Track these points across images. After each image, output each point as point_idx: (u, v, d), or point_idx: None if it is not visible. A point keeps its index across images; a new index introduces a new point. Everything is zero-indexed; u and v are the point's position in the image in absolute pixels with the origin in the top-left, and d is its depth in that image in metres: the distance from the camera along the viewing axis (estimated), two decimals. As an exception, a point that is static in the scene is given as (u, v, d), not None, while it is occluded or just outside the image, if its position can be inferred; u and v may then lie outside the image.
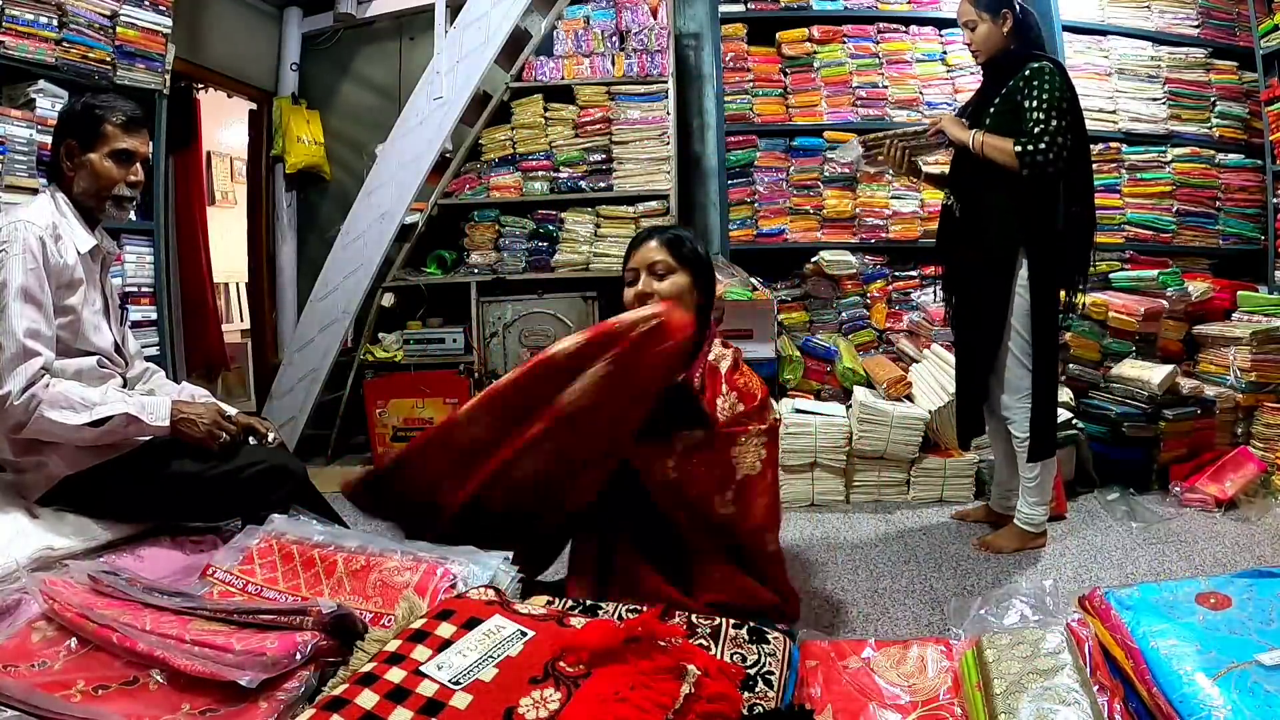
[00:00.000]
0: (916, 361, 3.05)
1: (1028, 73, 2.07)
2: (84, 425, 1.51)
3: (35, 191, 2.21)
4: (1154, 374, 2.68)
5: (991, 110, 2.13)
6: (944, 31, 3.47)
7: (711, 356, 1.65)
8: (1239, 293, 3.07)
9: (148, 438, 1.61)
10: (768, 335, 2.94)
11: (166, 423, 1.60)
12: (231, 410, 1.76)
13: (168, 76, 2.80)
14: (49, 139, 2.20)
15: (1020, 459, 2.19)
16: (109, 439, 1.56)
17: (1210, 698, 0.92)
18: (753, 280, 3.03)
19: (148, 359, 1.99)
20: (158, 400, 1.63)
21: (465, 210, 3.51)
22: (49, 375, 1.52)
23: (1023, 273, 2.09)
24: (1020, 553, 2.19)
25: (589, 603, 1.29)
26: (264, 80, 4.19)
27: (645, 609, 1.16)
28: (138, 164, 1.69)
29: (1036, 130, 2.00)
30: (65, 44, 2.46)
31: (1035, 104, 2.02)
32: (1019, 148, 2.01)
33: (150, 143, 1.74)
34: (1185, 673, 0.97)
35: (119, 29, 2.62)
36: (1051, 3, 3.35)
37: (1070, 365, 2.96)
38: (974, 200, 2.17)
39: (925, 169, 2.35)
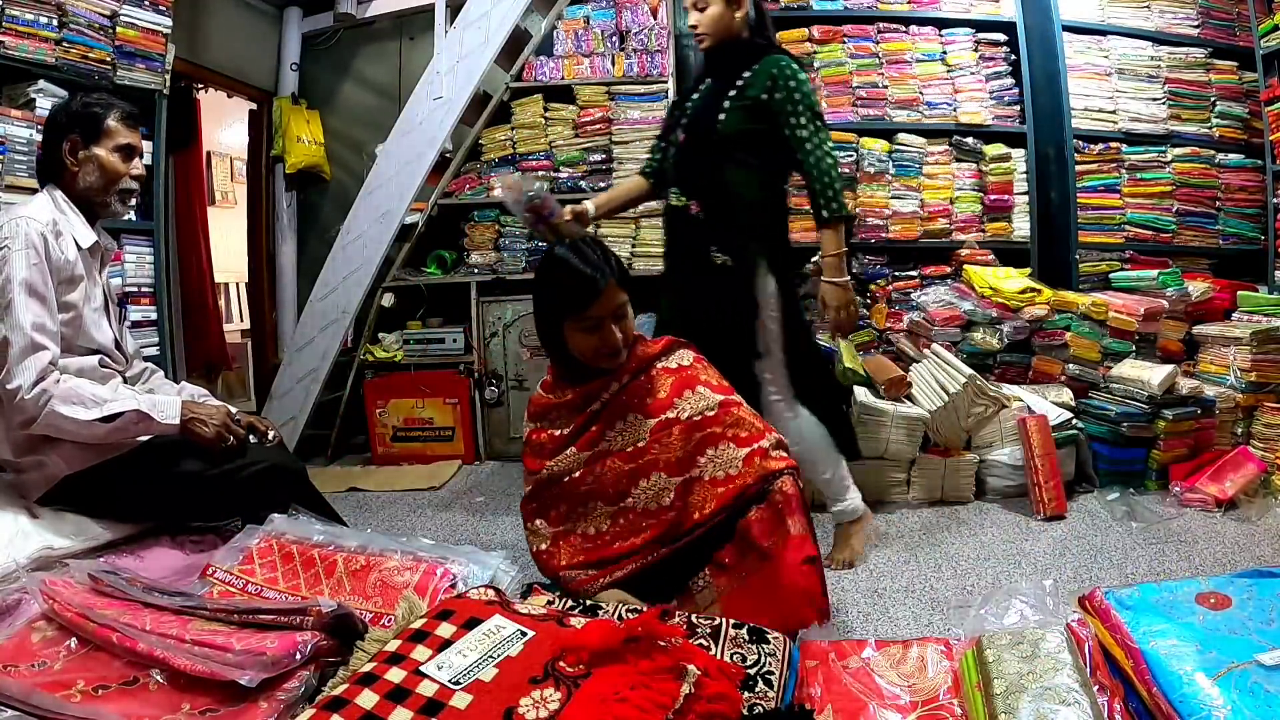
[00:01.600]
0: (916, 361, 3.05)
1: (775, 71, 1.93)
2: (94, 421, 1.52)
3: (35, 191, 2.21)
4: (1154, 374, 2.68)
5: (726, 107, 1.97)
6: (944, 31, 3.47)
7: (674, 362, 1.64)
8: (1239, 293, 3.07)
9: (149, 436, 1.61)
10: (768, 335, 2.93)
11: (177, 421, 1.60)
12: (235, 410, 1.76)
13: (168, 76, 2.80)
14: (49, 138, 2.20)
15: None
16: (117, 436, 1.56)
17: (1210, 698, 0.92)
18: (753, 280, 3.03)
19: (148, 359, 1.99)
20: (168, 399, 1.64)
21: (465, 210, 3.51)
22: (57, 370, 1.52)
23: (767, 272, 2.00)
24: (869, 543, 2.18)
25: (589, 603, 1.29)
26: (264, 80, 4.19)
27: (645, 609, 1.16)
28: (138, 157, 1.70)
29: (825, 179, 1.91)
30: (65, 44, 2.46)
31: (803, 130, 1.91)
32: (829, 211, 1.93)
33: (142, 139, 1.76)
34: (1185, 673, 0.97)
35: (119, 29, 2.62)
36: (1051, 3, 3.36)
37: (1070, 365, 2.96)
38: (717, 197, 2.00)
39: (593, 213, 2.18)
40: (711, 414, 1.53)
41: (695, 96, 2.09)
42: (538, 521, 1.61)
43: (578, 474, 1.57)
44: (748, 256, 1.99)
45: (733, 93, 1.97)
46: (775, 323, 2.03)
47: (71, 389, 1.51)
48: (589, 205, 2.15)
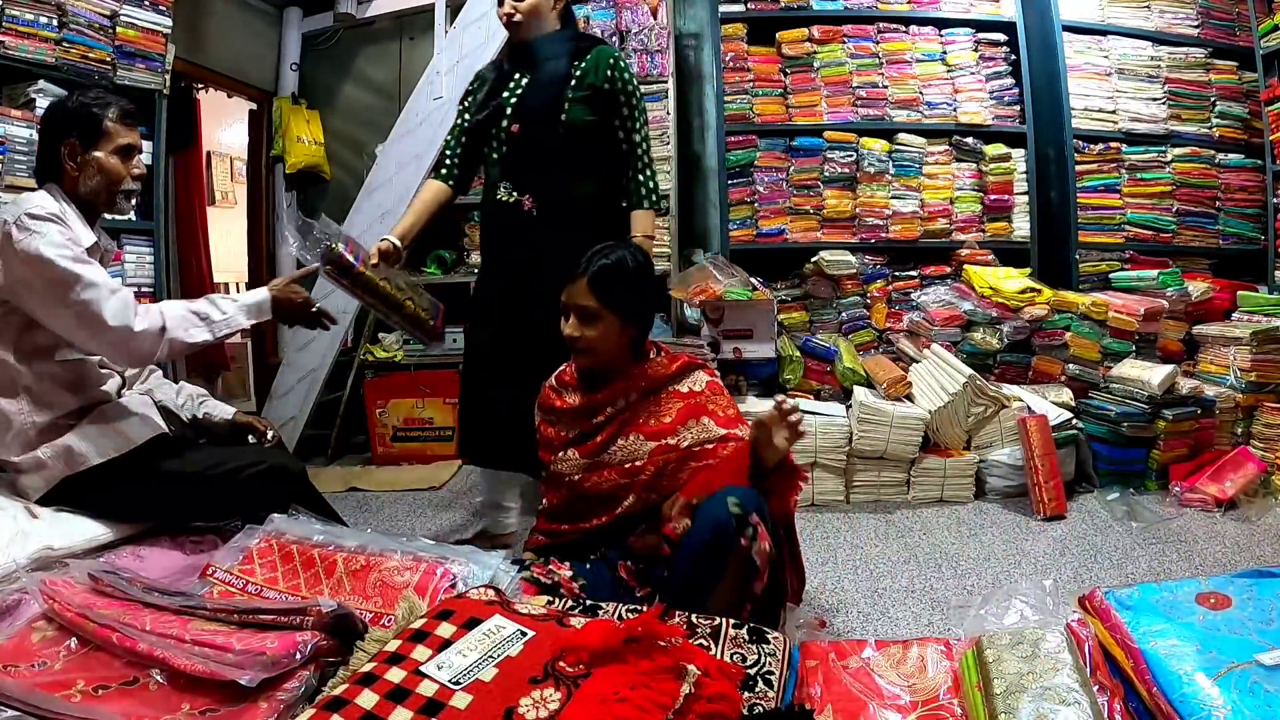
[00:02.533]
0: (916, 361, 3.05)
1: (612, 61, 1.99)
2: (211, 339, 1.60)
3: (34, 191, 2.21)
4: (1154, 374, 2.68)
5: (570, 98, 1.97)
6: (944, 31, 3.47)
7: (685, 386, 1.58)
8: (1239, 293, 3.08)
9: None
10: (768, 335, 2.94)
11: (269, 316, 1.69)
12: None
13: (168, 76, 2.80)
14: (48, 139, 2.20)
15: None
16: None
17: (1210, 698, 0.92)
18: (753, 280, 3.03)
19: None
20: (259, 299, 1.68)
21: (465, 210, 3.51)
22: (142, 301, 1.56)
23: None
24: None
25: (589, 603, 1.29)
26: (264, 80, 4.19)
27: (645, 609, 1.16)
28: (137, 154, 1.70)
29: (648, 170, 2.06)
30: (65, 44, 2.46)
31: (636, 122, 2.04)
32: (656, 196, 2.06)
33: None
34: (1185, 673, 0.97)
35: (119, 29, 2.62)
36: (1051, 3, 3.36)
37: (1070, 365, 2.96)
38: (556, 191, 1.99)
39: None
40: (709, 447, 1.52)
41: (514, 88, 2.03)
42: (544, 501, 1.69)
43: (578, 477, 1.59)
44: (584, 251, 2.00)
45: (573, 83, 1.98)
46: None
47: (180, 316, 1.56)
48: (392, 239, 1.99)
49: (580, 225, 1.96)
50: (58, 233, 1.50)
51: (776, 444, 1.38)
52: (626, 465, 1.54)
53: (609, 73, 1.99)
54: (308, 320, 1.75)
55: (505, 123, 2.01)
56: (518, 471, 2.15)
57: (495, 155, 2.04)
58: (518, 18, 1.97)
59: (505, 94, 2.03)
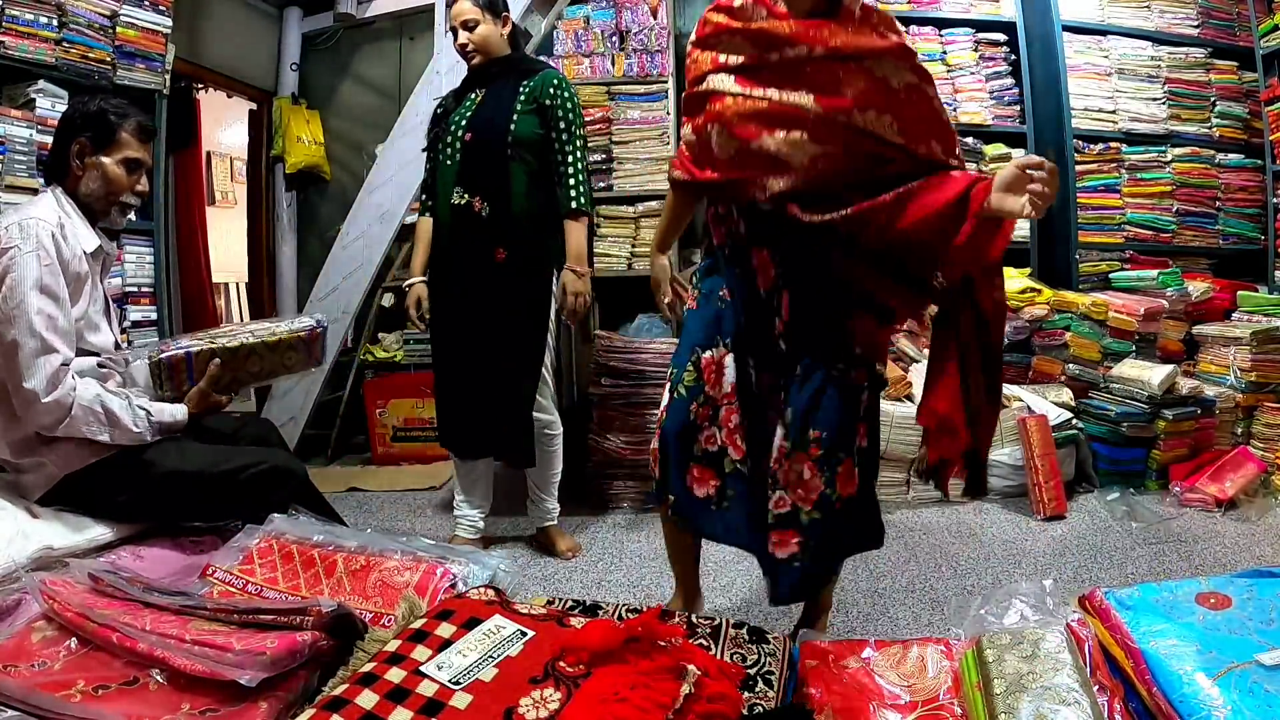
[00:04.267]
0: (916, 361, 3.04)
1: (556, 81, 2.16)
2: (108, 443, 1.56)
3: (35, 191, 2.21)
4: (1154, 374, 2.68)
5: (519, 110, 2.13)
6: (944, 31, 3.47)
7: None
8: (1239, 293, 3.08)
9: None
10: (768, 335, 2.93)
11: (179, 431, 1.67)
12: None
13: (168, 76, 2.80)
14: (49, 139, 2.19)
15: (551, 456, 2.27)
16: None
17: (1210, 698, 0.92)
18: (753, 280, 3.03)
19: (147, 359, 1.99)
20: (178, 418, 1.67)
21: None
22: (71, 374, 1.53)
23: (551, 267, 2.19)
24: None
25: (589, 603, 1.29)
26: (264, 80, 4.19)
27: (645, 609, 1.16)
28: (144, 173, 1.70)
29: (578, 178, 2.15)
30: (65, 44, 2.46)
31: (573, 136, 2.15)
32: (581, 201, 2.15)
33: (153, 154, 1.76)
34: (1185, 673, 0.97)
35: (119, 29, 2.62)
36: (1051, 3, 3.36)
37: (1070, 365, 2.96)
38: (504, 197, 2.13)
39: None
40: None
41: (469, 104, 2.20)
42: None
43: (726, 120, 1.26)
44: (532, 252, 2.16)
45: (521, 98, 2.14)
46: (555, 320, 2.24)
47: (89, 407, 1.53)
48: (416, 284, 2.30)
49: (524, 226, 2.13)
50: (35, 259, 1.50)
51: (1016, 202, 1.11)
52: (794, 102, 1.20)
53: (551, 90, 2.15)
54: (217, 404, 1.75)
55: (460, 132, 2.17)
56: (498, 458, 2.29)
57: (449, 163, 2.19)
58: (471, 48, 2.16)
59: (460, 110, 2.21)
